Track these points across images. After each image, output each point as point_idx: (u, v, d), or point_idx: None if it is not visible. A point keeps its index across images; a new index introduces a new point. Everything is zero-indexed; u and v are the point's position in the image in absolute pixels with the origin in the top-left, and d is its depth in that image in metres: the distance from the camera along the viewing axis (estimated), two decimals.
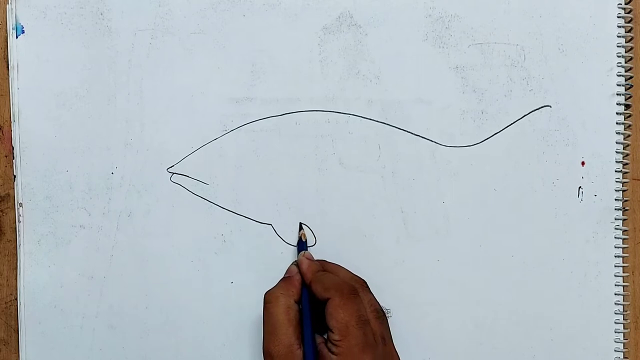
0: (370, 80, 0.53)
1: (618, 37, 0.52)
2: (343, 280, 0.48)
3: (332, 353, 0.44)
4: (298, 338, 0.46)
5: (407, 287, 0.53)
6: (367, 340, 0.45)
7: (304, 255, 0.51)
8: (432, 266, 0.53)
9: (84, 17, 0.53)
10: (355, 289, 0.47)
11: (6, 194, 0.54)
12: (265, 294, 0.48)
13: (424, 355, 0.53)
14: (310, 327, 0.47)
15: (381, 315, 0.47)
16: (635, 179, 0.54)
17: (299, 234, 0.53)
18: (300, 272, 0.49)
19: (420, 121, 0.53)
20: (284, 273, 0.52)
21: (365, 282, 0.49)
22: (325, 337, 0.46)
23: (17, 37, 0.53)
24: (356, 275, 0.50)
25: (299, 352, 0.45)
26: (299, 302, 0.48)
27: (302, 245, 0.52)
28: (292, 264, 0.51)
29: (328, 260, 0.52)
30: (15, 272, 0.54)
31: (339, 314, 0.45)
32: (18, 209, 0.53)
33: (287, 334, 0.46)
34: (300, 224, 0.53)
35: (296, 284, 0.49)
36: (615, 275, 0.53)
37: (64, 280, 0.53)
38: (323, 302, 0.46)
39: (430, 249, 0.53)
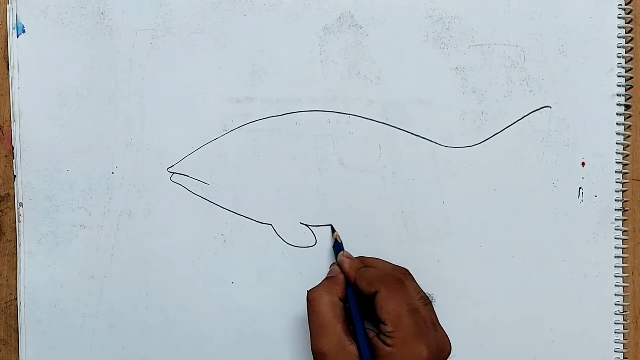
0: (371, 81, 0.53)
1: (618, 37, 0.53)
2: (387, 272, 0.48)
3: (387, 345, 0.44)
4: (348, 335, 0.46)
5: None
6: (420, 328, 0.45)
7: (343, 255, 0.50)
8: (433, 266, 0.53)
9: (85, 17, 0.53)
10: (401, 279, 0.47)
11: (6, 194, 0.54)
12: (309, 292, 0.48)
13: None
14: (361, 323, 0.47)
15: (428, 301, 0.47)
16: (635, 180, 0.54)
17: (333, 236, 0.52)
18: (343, 271, 0.49)
19: (420, 122, 0.53)
20: (284, 273, 0.53)
21: (408, 271, 0.49)
22: (376, 331, 0.46)
23: (18, 37, 0.53)
24: (397, 266, 0.50)
25: (352, 349, 0.45)
26: (343, 300, 0.48)
27: (338, 246, 0.52)
28: (332, 265, 0.51)
29: (366, 256, 0.51)
30: (15, 272, 0.54)
31: (389, 306, 0.45)
32: (18, 208, 0.53)
33: (337, 331, 0.46)
34: (332, 226, 0.53)
35: (340, 282, 0.48)
36: (615, 276, 0.53)
37: (64, 280, 0.53)
38: (369, 298, 0.46)
39: (431, 250, 0.53)
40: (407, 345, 0.44)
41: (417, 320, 0.45)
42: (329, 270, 0.51)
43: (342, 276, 0.49)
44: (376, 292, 0.46)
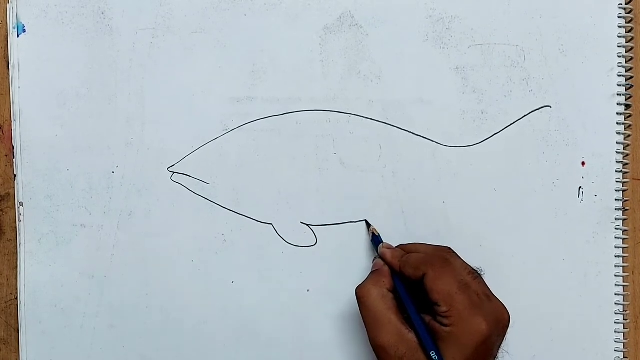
0: (371, 81, 0.53)
1: (618, 37, 0.53)
2: (430, 253, 0.48)
3: (445, 325, 0.44)
4: (404, 324, 0.46)
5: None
6: (474, 301, 0.45)
7: (383, 247, 0.50)
8: None
9: (85, 17, 0.53)
10: (445, 257, 0.47)
11: (6, 194, 0.54)
12: (357, 289, 0.48)
13: None
14: (415, 309, 0.46)
15: (477, 275, 0.47)
16: (635, 179, 0.54)
17: (370, 230, 0.52)
18: (386, 262, 0.49)
19: (420, 121, 0.53)
20: (284, 272, 0.53)
21: (451, 249, 0.49)
22: (429, 315, 0.46)
23: (18, 36, 0.53)
24: (438, 246, 0.50)
25: (410, 336, 0.45)
26: (392, 291, 0.48)
27: (377, 239, 0.52)
28: (375, 258, 0.51)
29: (404, 243, 0.51)
30: (15, 272, 0.54)
31: (438, 286, 0.45)
32: (18, 208, 0.53)
33: (393, 322, 0.46)
34: (366, 221, 0.53)
35: (386, 274, 0.48)
36: (615, 275, 0.53)
37: (64, 280, 0.53)
38: (417, 284, 0.46)
39: None
40: (465, 321, 0.44)
41: (470, 295, 0.45)
42: (372, 264, 0.51)
43: (386, 268, 0.49)
44: (423, 275, 0.46)
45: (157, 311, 0.53)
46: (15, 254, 0.54)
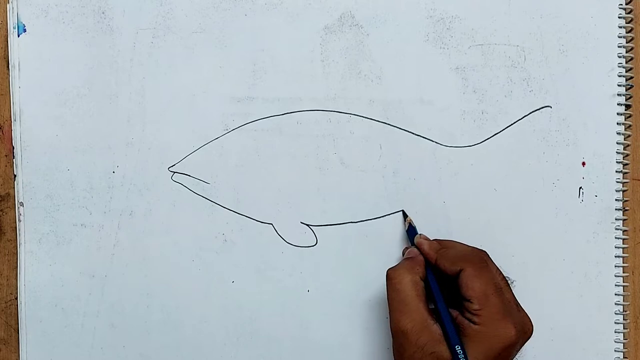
0: (372, 80, 0.53)
1: (618, 37, 0.53)
2: (469, 252, 0.48)
3: (473, 323, 0.44)
4: (430, 314, 0.46)
5: None
6: (506, 307, 0.45)
7: (420, 237, 0.50)
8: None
9: (86, 16, 0.53)
10: (484, 258, 0.47)
11: (6, 194, 0.54)
12: (388, 270, 0.48)
13: None
14: (444, 302, 0.46)
15: (508, 283, 0.47)
16: (635, 179, 0.54)
17: (406, 221, 0.52)
18: (422, 253, 0.49)
19: (421, 121, 0.53)
20: (284, 272, 0.53)
21: (487, 253, 0.49)
22: (456, 310, 0.46)
23: (18, 36, 0.53)
24: (475, 247, 0.49)
25: (435, 327, 0.45)
26: (423, 280, 0.47)
27: (412, 230, 0.52)
28: (409, 247, 0.51)
29: (439, 239, 0.51)
30: (15, 272, 0.54)
31: (475, 284, 0.45)
32: (19, 208, 0.53)
33: (419, 309, 0.45)
34: (403, 212, 0.53)
35: (420, 262, 0.48)
36: (615, 275, 0.53)
37: (65, 279, 0.53)
38: (449, 279, 0.47)
39: None
40: (495, 324, 0.44)
41: (504, 300, 0.45)
42: (404, 253, 0.51)
43: (421, 257, 0.49)
44: (460, 271, 0.46)
45: (158, 311, 0.53)
46: (15, 254, 0.54)
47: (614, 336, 0.53)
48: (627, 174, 0.53)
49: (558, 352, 0.53)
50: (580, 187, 0.53)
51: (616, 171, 0.53)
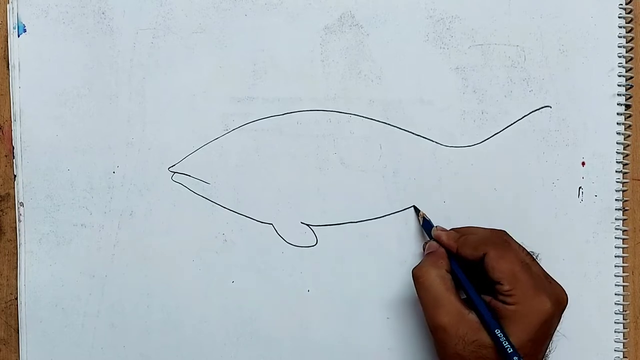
0: (372, 80, 0.53)
1: (618, 37, 0.53)
2: (489, 234, 0.48)
3: (508, 304, 0.44)
4: (463, 304, 0.46)
5: (410, 287, 0.53)
6: (537, 281, 0.45)
7: (437, 229, 0.50)
8: None
9: (86, 16, 0.53)
10: (504, 238, 0.47)
11: (6, 194, 0.54)
12: (413, 270, 0.48)
13: (424, 354, 0.53)
14: (474, 290, 0.46)
15: (533, 257, 0.47)
16: (635, 179, 0.54)
17: (419, 215, 0.52)
18: (442, 244, 0.49)
19: (421, 121, 0.53)
20: (284, 272, 0.53)
21: (506, 232, 0.49)
22: (488, 295, 0.46)
23: (18, 36, 0.53)
24: (493, 228, 0.49)
25: (471, 317, 0.45)
26: (449, 272, 0.47)
27: (427, 224, 0.52)
28: (427, 242, 0.51)
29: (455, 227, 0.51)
30: (15, 272, 0.54)
31: (501, 265, 0.45)
32: (19, 208, 0.53)
33: (452, 302, 0.45)
34: (414, 207, 0.53)
35: (443, 255, 0.48)
36: (615, 275, 0.53)
37: (65, 279, 0.53)
38: (473, 265, 0.47)
39: None
40: (529, 300, 0.44)
41: (532, 275, 0.45)
42: (424, 248, 0.51)
43: (442, 249, 0.49)
44: (484, 255, 0.46)
45: (158, 311, 0.53)
46: (15, 254, 0.54)
47: (614, 336, 0.53)
48: (627, 174, 0.53)
49: (558, 352, 0.53)
50: (580, 187, 0.53)
51: (616, 171, 0.53)
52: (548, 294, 0.44)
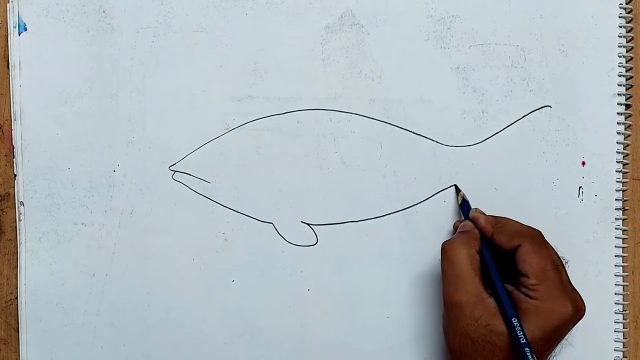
0: (372, 80, 0.53)
1: (619, 37, 0.53)
2: (527, 228, 0.48)
3: (530, 297, 0.44)
4: (485, 288, 0.46)
5: (410, 286, 0.53)
6: (564, 284, 0.45)
7: (476, 211, 0.50)
8: (434, 265, 0.52)
9: (87, 15, 0.53)
10: (541, 236, 0.47)
11: (6, 193, 0.54)
12: (444, 243, 0.48)
13: (424, 354, 0.53)
14: (499, 277, 0.46)
15: (563, 264, 0.47)
16: (635, 179, 0.54)
17: (459, 195, 0.52)
18: (477, 226, 0.49)
19: (421, 121, 0.53)
20: (284, 271, 0.53)
21: (541, 232, 0.49)
22: (512, 285, 0.46)
23: (19, 35, 0.53)
24: (530, 226, 0.49)
25: (490, 301, 0.45)
26: (478, 254, 0.47)
27: (466, 204, 0.52)
28: (462, 221, 0.51)
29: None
30: (15, 271, 0.54)
31: (533, 259, 0.45)
32: (19, 207, 0.53)
33: (474, 283, 0.46)
34: (455, 186, 0.53)
35: (476, 236, 0.48)
36: (615, 275, 0.53)
37: (65, 278, 0.53)
38: (504, 253, 0.47)
39: (432, 248, 0.53)
40: (552, 299, 0.44)
41: (561, 277, 0.45)
42: (458, 226, 0.51)
43: (476, 231, 0.49)
44: (517, 246, 0.46)
45: (158, 310, 0.53)
46: (15, 253, 0.54)
47: (614, 336, 0.53)
48: (627, 174, 0.53)
49: (558, 352, 0.53)
50: (580, 187, 0.53)
51: (616, 171, 0.53)
52: (571, 299, 0.45)
